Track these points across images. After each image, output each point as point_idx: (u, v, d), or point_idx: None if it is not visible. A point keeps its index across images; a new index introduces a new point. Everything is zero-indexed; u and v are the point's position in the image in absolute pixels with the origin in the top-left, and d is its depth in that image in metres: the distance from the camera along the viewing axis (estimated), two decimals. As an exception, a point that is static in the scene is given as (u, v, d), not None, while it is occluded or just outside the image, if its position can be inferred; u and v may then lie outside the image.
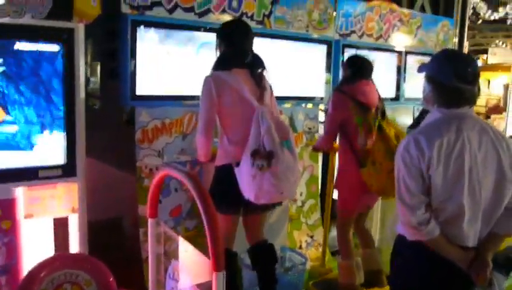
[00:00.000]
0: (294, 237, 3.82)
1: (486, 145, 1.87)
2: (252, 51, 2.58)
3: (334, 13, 3.88)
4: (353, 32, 4.06)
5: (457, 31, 5.27)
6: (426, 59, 4.57)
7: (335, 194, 3.44)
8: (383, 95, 3.25)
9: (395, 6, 4.34)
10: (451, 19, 5.07)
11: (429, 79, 1.93)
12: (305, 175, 3.88)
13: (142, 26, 2.91)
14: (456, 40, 5.21)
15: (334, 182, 3.30)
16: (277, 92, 3.52)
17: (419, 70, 2.02)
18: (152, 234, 2.53)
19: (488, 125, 1.93)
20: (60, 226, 2.79)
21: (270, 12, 3.48)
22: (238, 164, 2.40)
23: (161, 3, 2.98)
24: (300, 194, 3.86)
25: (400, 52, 4.43)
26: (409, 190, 1.85)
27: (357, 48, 4.02)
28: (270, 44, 3.52)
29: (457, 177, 1.83)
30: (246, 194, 2.37)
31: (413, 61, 4.52)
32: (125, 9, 2.86)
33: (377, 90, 3.17)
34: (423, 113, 3.28)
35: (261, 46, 3.39)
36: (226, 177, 2.46)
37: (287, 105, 3.73)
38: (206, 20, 3.17)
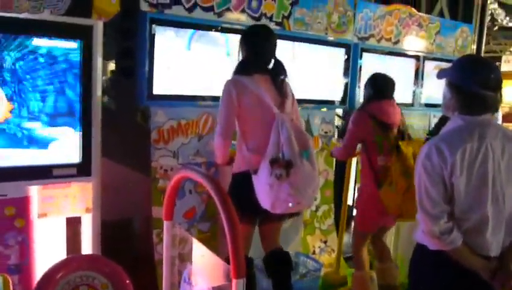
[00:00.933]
0: (308, 242, 3.75)
1: (510, 153, 1.83)
2: (275, 57, 2.52)
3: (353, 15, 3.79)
4: (372, 36, 3.99)
5: (476, 37, 5.17)
6: (444, 65, 4.50)
7: (349, 200, 3.38)
8: (398, 100, 3.19)
9: (414, 10, 4.26)
10: (470, 25, 4.98)
11: (451, 85, 1.88)
12: (320, 180, 3.80)
13: (160, 25, 2.86)
14: (474, 46, 5.11)
15: (355, 200, 3.28)
16: (295, 95, 3.52)
17: (439, 76, 1.96)
18: (167, 236, 2.47)
19: (511, 133, 1.88)
20: (73, 226, 2.75)
21: (290, 14, 3.42)
22: (256, 172, 2.34)
23: (180, 2, 2.93)
24: (315, 199, 3.78)
25: (417, 58, 4.34)
26: (431, 198, 1.80)
27: (375, 51, 3.94)
28: (289, 46, 3.46)
29: (480, 186, 1.79)
30: (263, 203, 2.32)
31: (431, 67, 4.43)
32: (144, 7, 2.81)
33: (400, 110, 3.13)
34: (443, 120, 3.19)
35: (279, 47, 3.37)
36: (243, 184, 2.40)
37: (304, 108, 3.65)
38: (226, 20, 3.11)
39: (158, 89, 2.91)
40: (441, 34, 4.55)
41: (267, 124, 2.34)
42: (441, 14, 5.32)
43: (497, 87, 1.83)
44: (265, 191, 2.29)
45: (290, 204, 2.27)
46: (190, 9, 2.97)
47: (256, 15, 3.25)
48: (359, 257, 3.16)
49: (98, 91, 2.61)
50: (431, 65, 4.42)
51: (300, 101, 3.54)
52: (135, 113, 3.03)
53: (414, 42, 4.32)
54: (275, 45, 2.53)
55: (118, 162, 3.11)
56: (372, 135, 2.97)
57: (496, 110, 1.87)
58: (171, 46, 2.93)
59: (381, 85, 3.08)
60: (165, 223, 2.50)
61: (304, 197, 2.32)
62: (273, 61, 2.51)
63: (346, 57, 3.76)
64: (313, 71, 3.62)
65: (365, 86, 3.17)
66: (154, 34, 2.84)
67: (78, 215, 2.68)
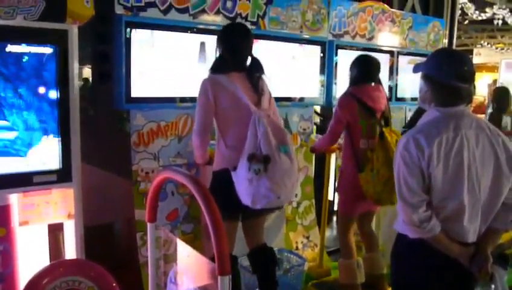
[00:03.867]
0: (291, 238, 3.79)
1: (483, 142, 1.89)
2: (251, 54, 2.55)
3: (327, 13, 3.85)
4: (346, 32, 4.05)
5: (447, 31, 5.29)
6: (418, 59, 4.60)
7: (330, 196, 3.42)
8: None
9: (386, 6, 4.34)
10: (441, 20, 5.09)
11: (427, 78, 1.94)
12: (300, 176, 3.85)
13: (136, 28, 2.86)
14: (446, 40, 5.23)
15: (336, 183, 3.30)
16: (272, 93, 3.56)
17: (415, 70, 2.02)
18: (151, 238, 2.48)
19: (484, 123, 1.95)
20: (55, 233, 2.73)
21: (265, 13, 3.46)
22: (235, 169, 2.37)
23: (155, 4, 2.94)
24: (296, 196, 3.83)
25: (391, 53, 4.43)
26: (410, 188, 1.86)
27: (350, 48, 4.01)
28: (265, 45, 3.49)
29: (457, 175, 1.85)
30: (243, 198, 2.35)
31: (404, 62, 4.52)
32: (119, 10, 2.81)
33: (386, 96, 3.17)
34: (419, 113, 3.28)
35: (255, 47, 3.41)
36: (223, 182, 2.43)
37: (283, 106, 3.68)
38: (201, 21, 3.13)
39: (136, 92, 2.91)
40: (414, 29, 4.65)
41: (245, 121, 2.38)
42: (413, 10, 5.42)
43: (471, 79, 1.90)
44: (244, 187, 2.32)
45: (267, 198, 2.30)
46: (165, 11, 2.98)
47: (232, 15, 3.28)
48: (345, 244, 3.16)
49: (75, 96, 2.59)
50: (405, 60, 4.51)
51: (279, 99, 3.60)
52: (114, 117, 3.02)
53: (388, 38, 4.40)
54: (251, 43, 2.57)
55: (99, 167, 3.11)
56: (357, 119, 2.99)
57: (470, 101, 1.94)
58: (148, 48, 2.93)
59: (366, 67, 3.08)
60: (149, 225, 2.50)
61: (284, 191, 2.36)
62: (250, 58, 2.54)
63: (321, 54, 3.81)
64: (290, 70, 3.66)
65: (350, 68, 3.16)
66: (130, 37, 2.84)
67: (60, 221, 2.66)
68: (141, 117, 2.98)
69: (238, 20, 3.31)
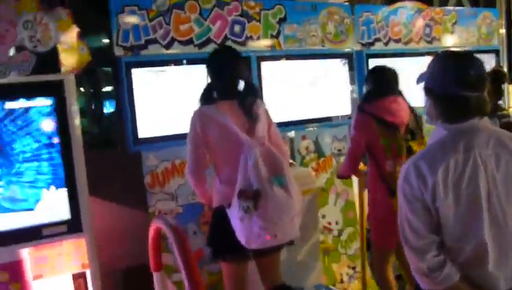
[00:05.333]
0: (334, 270, 3.52)
1: (507, 162, 1.55)
2: (244, 79, 2.39)
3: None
4: (377, 40, 3.76)
5: (503, 21, 4.74)
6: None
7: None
8: (417, 104, 2.91)
9: (422, 4, 3.98)
10: (493, 9, 4.59)
11: (426, 90, 1.64)
12: (339, 202, 3.59)
13: (137, 68, 2.83)
14: (503, 31, 4.69)
15: (367, 212, 3.00)
16: (298, 116, 3.38)
17: (418, 80, 1.73)
18: (159, 288, 2.40)
19: (508, 137, 1.60)
20: (77, 282, 2.73)
21: (279, 32, 3.29)
22: (230, 205, 2.22)
23: (156, 40, 2.90)
24: (336, 223, 3.57)
25: (434, 54, 4.03)
26: (414, 229, 1.55)
27: (384, 56, 3.71)
28: (283, 66, 3.33)
29: (473, 207, 1.52)
30: (239, 238, 2.18)
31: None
32: (118, 51, 2.80)
33: (409, 105, 2.83)
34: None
35: (273, 69, 3.27)
36: (220, 221, 2.29)
37: (311, 128, 3.48)
38: (207, 51, 3.02)
39: (144, 132, 2.88)
40: (460, 24, 4.22)
41: (237, 153, 2.22)
42: (460, 4, 4.95)
43: (481, 85, 1.57)
44: (238, 226, 2.17)
45: (261, 238, 2.11)
46: (167, 46, 2.94)
47: (241, 39, 3.16)
48: (384, 280, 2.87)
49: (78, 144, 2.60)
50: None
51: (306, 122, 3.44)
52: (125, 160, 2.99)
53: (429, 39, 4.03)
54: (242, 66, 2.41)
55: (114, 213, 3.09)
56: (378, 139, 2.69)
57: (484, 112, 1.60)
58: (152, 86, 2.89)
59: (382, 79, 2.78)
60: (154, 275, 2.44)
61: (281, 228, 2.16)
62: (242, 83, 2.37)
63: (348, 67, 3.56)
64: (314, 88, 3.45)
65: (365, 82, 2.89)
66: (131, 78, 2.82)
67: (75, 272, 2.65)
68: (153, 157, 2.93)
69: (249, 43, 3.17)
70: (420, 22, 3.97)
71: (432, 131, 1.69)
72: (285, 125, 3.33)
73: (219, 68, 2.35)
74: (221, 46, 2.95)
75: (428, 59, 3.93)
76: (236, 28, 3.14)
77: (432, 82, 1.61)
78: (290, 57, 3.35)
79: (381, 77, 2.78)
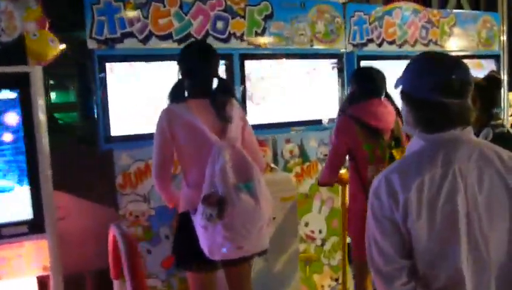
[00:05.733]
0: (315, 281, 3.39)
1: (491, 180, 1.37)
2: (217, 76, 2.26)
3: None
4: (370, 41, 3.62)
5: (505, 27, 4.57)
6: (465, 62, 4.03)
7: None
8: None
9: (418, 6, 3.83)
10: (495, 13, 4.43)
11: (403, 95, 1.48)
12: (324, 209, 3.46)
13: (111, 62, 2.72)
14: (503, 37, 4.52)
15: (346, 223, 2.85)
16: (282, 118, 3.25)
17: (396, 84, 1.58)
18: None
19: (494, 150, 1.42)
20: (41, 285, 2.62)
21: (264, 30, 3.16)
22: (195, 211, 2.08)
23: (133, 34, 2.78)
24: (320, 232, 3.43)
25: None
26: (382, 251, 1.38)
27: (376, 58, 3.57)
28: (268, 65, 3.20)
29: (449, 230, 1.34)
30: (202, 247, 2.05)
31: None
32: (91, 44, 2.69)
33: (396, 109, 2.67)
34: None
35: (257, 68, 3.14)
36: (185, 227, 2.16)
37: (296, 131, 3.35)
38: (187, 47, 2.91)
39: (117, 130, 2.76)
40: (458, 27, 4.07)
41: (205, 154, 2.09)
42: (460, 7, 4.79)
43: (464, 91, 1.39)
44: (201, 234, 2.04)
45: (224, 249, 1.98)
46: (145, 40, 2.82)
47: (224, 36, 3.03)
48: None
49: (43, 140, 2.48)
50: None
51: (291, 124, 3.31)
52: (96, 158, 2.88)
53: (425, 41, 3.88)
54: (215, 63, 2.28)
55: (82, 214, 2.97)
56: (360, 144, 2.54)
57: (468, 122, 1.43)
58: (127, 82, 2.77)
59: (368, 80, 2.60)
60: (114, 283, 2.32)
61: (247, 239, 2.03)
62: (216, 81, 2.24)
63: (338, 68, 3.42)
64: (301, 90, 3.32)
65: (349, 83, 2.72)
66: (105, 72, 2.70)
67: (35, 275, 2.54)
68: (126, 157, 2.81)
69: (232, 40, 3.05)
70: (416, 24, 3.82)
71: (410, 141, 1.55)
72: (268, 128, 3.21)
73: (191, 64, 2.22)
74: (194, 41, 2.80)
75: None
76: (219, 24, 3.02)
77: (409, 86, 1.45)
78: (275, 56, 3.21)
79: (367, 77, 2.62)
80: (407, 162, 1.44)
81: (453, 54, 4.00)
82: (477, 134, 2.56)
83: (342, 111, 2.67)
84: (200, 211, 2.00)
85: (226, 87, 2.27)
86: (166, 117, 2.17)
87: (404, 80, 1.49)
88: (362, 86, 2.60)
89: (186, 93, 2.23)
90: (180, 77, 2.25)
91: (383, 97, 2.65)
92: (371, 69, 2.68)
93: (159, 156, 2.21)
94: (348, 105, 2.65)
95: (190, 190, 2.19)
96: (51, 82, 2.70)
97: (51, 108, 2.62)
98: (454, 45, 4.07)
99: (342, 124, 2.60)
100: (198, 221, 2.04)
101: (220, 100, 2.20)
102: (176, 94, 2.20)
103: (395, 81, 1.57)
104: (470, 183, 1.36)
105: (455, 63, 1.43)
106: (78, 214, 2.93)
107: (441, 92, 1.37)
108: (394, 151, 2.51)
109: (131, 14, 2.77)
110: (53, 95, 2.59)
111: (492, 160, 1.39)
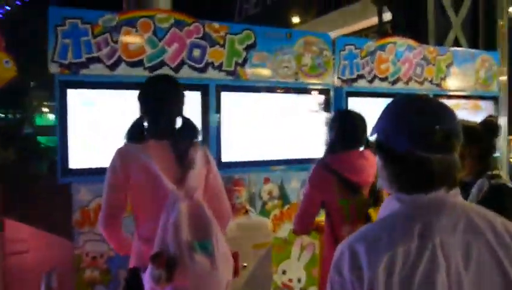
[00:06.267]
0: (292, 336, 3.12)
1: (480, 256, 1.11)
2: (181, 116, 2.04)
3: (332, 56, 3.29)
4: (361, 76, 3.44)
5: (506, 68, 4.39)
6: (463, 103, 3.85)
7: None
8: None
9: (413, 42, 3.66)
10: (494, 52, 4.26)
11: (377, 146, 1.25)
12: (304, 256, 3.21)
13: (74, 88, 2.53)
14: (503, 78, 4.35)
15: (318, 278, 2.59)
16: (261, 156, 3.04)
17: (371, 133, 1.35)
18: None
19: (485, 218, 1.16)
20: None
21: (245, 60, 2.98)
22: (146, 269, 1.83)
23: (99, 59, 2.60)
24: (299, 281, 3.18)
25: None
26: None
27: (366, 95, 3.38)
28: (247, 98, 3.01)
29: None
30: None
31: (446, 107, 3.76)
32: (53, 68, 2.50)
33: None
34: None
35: (234, 101, 2.95)
36: (135, 286, 1.90)
37: (276, 170, 3.13)
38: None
39: (77, 162, 2.55)
40: (455, 66, 3.89)
41: (159, 205, 1.85)
42: (457, 44, 4.63)
43: (450, 145, 1.14)
44: None
45: None
46: (112, 67, 2.64)
47: (200, 65, 2.85)
48: None
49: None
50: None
51: (270, 163, 3.09)
52: (53, 193, 2.66)
53: (420, 79, 3.70)
54: (179, 100, 2.05)
55: (35, 252, 2.73)
56: (336, 198, 2.28)
57: (454, 182, 1.17)
58: (91, 110, 2.57)
59: (347, 127, 2.33)
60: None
61: None
62: (180, 121, 2.03)
63: (324, 104, 3.23)
64: (283, 126, 3.12)
65: (327, 128, 2.42)
66: (66, 99, 2.51)
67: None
68: (85, 191, 2.59)
69: (210, 70, 2.86)
70: (410, 61, 3.65)
71: (384, 200, 1.30)
72: (245, 165, 3.00)
73: (151, 102, 2.01)
74: (156, 75, 2.46)
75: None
76: (196, 52, 2.84)
77: (383, 136, 1.22)
78: (255, 88, 3.03)
79: (346, 124, 2.36)
80: (376, 230, 1.17)
81: (450, 93, 3.86)
82: (471, 185, 2.32)
83: (319, 161, 2.42)
84: (149, 270, 1.76)
85: (190, 127, 2.04)
86: (120, 157, 1.94)
87: (379, 128, 1.27)
88: (340, 133, 2.35)
89: (146, 133, 2.00)
90: (140, 113, 2.03)
91: (363, 147, 2.40)
92: (349, 114, 2.43)
93: (109, 201, 1.96)
94: (326, 154, 2.40)
95: (141, 243, 1.94)
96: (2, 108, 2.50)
97: (6, 136, 2.41)
98: (451, 84, 3.89)
99: (317, 175, 2.34)
100: (146, 281, 1.79)
101: (182, 143, 1.98)
102: (134, 133, 1.98)
103: (370, 129, 1.34)
104: (453, 260, 1.09)
105: (440, 111, 1.17)
106: (31, 253, 2.70)
107: (422, 146, 1.12)
108: (372, 211, 2.25)
109: (99, 38, 2.59)
110: (7, 122, 2.40)
111: (483, 231, 1.12)
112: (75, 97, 2.56)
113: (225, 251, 1.86)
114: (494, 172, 2.29)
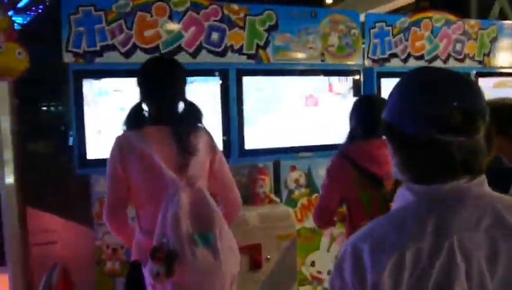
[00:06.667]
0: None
1: (509, 258, 0.93)
2: (183, 99, 1.95)
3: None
4: (393, 56, 3.23)
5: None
6: (509, 81, 3.56)
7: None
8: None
9: (451, 16, 3.40)
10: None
11: (388, 129, 1.08)
12: (334, 247, 3.08)
13: (89, 78, 2.49)
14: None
15: None
16: (287, 142, 2.91)
17: (384, 115, 1.19)
18: None
19: None
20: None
21: (267, 42, 2.85)
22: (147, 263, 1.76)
23: (114, 47, 2.55)
24: (328, 273, 3.05)
25: (466, 75, 3.44)
26: None
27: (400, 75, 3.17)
28: (271, 82, 2.88)
29: None
30: None
31: (489, 85, 3.50)
32: (67, 58, 2.47)
33: None
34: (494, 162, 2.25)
35: (257, 86, 2.84)
36: (136, 280, 1.83)
37: (303, 157, 3.00)
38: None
39: (95, 152, 2.52)
40: (501, 39, 3.59)
41: (159, 196, 1.78)
42: (503, 17, 4.29)
43: (472, 126, 0.95)
44: None
45: None
46: (128, 54, 2.58)
47: (219, 49, 2.74)
48: None
49: (8, 165, 2.28)
50: (489, 83, 3.49)
51: (296, 150, 2.96)
52: (71, 184, 2.65)
53: (459, 56, 3.45)
54: (179, 83, 1.94)
55: (57, 245, 2.74)
56: (356, 191, 2.13)
57: (478, 169, 0.98)
58: (107, 100, 2.53)
59: (368, 114, 2.16)
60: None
61: None
62: (182, 105, 1.92)
63: (354, 86, 3.05)
64: (309, 110, 2.98)
65: (349, 116, 2.27)
66: (82, 89, 2.48)
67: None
68: (104, 182, 2.55)
69: (229, 54, 2.76)
70: (449, 36, 3.40)
71: (397, 192, 1.15)
72: (269, 153, 2.89)
73: (151, 85, 1.92)
74: (154, 56, 2.37)
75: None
76: (214, 36, 2.74)
77: (393, 117, 1.05)
78: (279, 72, 2.89)
79: (366, 110, 2.20)
80: (385, 225, 1.01)
81: (495, 71, 3.58)
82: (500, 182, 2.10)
83: (339, 150, 2.25)
84: (148, 265, 1.69)
85: (192, 112, 1.94)
86: (119, 146, 1.87)
87: (389, 108, 1.11)
88: (362, 121, 2.19)
89: (146, 119, 1.92)
90: (139, 99, 1.94)
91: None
92: (371, 100, 2.27)
93: (111, 193, 1.90)
94: (345, 143, 2.24)
95: (142, 236, 1.87)
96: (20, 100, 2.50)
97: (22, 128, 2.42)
98: (496, 60, 3.60)
99: (336, 167, 2.18)
100: (146, 276, 1.73)
101: (184, 128, 1.88)
102: (133, 120, 1.90)
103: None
104: (475, 262, 0.92)
105: (460, 85, 0.99)
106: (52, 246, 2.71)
107: (437, 127, 0.94)
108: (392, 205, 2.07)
109: (113, 24, 2.53)
110: (23, 113, 2.40)
111: None
112: (90, 87, 2.52)
113: (230, 244, 1.78)
114: None
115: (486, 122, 0.97)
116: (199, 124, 1.93)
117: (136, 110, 1.91)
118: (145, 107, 1.91)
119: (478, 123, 0.95)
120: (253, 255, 2.53)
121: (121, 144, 1.87)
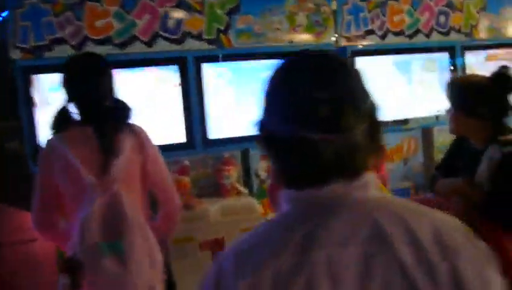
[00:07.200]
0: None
1: (386, 276, 0.76)
2: (110, 97, 1.85)
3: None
4: (370, 32, 3.07)
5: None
6: (500, 53, 3.36)
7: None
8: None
9: (433, -14, 3.21)
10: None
11: (259, 130, 0.96)
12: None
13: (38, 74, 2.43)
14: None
15: None
16: (256, 130, 2.79)
17: None
18: None
19: (407, 221, 0.79)
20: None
21: (228, 26, 2.73)
22: None
23: (64, 40, 2.46)
24: None
25: (451, 50, 3.25)
26: None
27: (377, 53, 3.02)
28: (234, 68, 2.76)
29: None
30: None
31: (479, 58, 3.30)
32: (15, 54, 2.40)
33: None
34: (461, 142, 2.13)
35: (219, 73, 2.73)
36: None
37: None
38: (129, 52, 2.56)
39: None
40: (489, 10, 3.37)
41: (79, 199, 1.71)
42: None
43: (345, 120, 0.78)
44: None
45: None
46: (79, 46, 2.50)
47: (176, 36, 2.64)
48: None
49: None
50: (478, 57, 3.29)
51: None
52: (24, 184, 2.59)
53: (444, 29, 3.25)
54: (103, 81, 1.84)
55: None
56: None
57: (358, 170, 0.82)
58: (59, 96, 2.46)
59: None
60: None
61: None
62: (99, 104, 1.82)
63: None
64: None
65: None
66: (30, 86, 2.41)
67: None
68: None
69: (188, 40, 2.65)
70: (431, 9, 3.20)
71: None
72: (237, 141, 2.78)
73: (74, 84, 1.83)
74: (75, 55, 2.28)
75: (444, 56, 3.23)
76: (171, 23, 2.63)
77: (260, 116, 0.94)
78: (242, 56, 2.77)
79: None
80: (253, 240, 0.86)
81: (484, 43, 3.37)
82: (482, 153, 1.96)
83: None
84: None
85: (118, 110, 1.84)
86: (46, 150, 1.81)
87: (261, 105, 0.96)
88: None
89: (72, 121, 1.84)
90: (65, 100, 1.85)
91: None
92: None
93: (38, 197, 1.84)
94: None
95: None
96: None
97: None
98: (485, 32, 3.38)
99: None
100: None
101: (106, 127, 1.79)
102: (56, 123, 1.82)
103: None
104: (345, 282, 0.76)
105: (327, 73, 0.82)
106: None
107: (299, 124, 0.80)
108: None
109: (61, 17, 2.45)
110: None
111: (396, 240, 0.77)
112: (39, 83, 2.45)
113: (149, 254, 1.68)
114: (507, 138, 1.91)
115: (366, 116, 0.83)
116: (125, 121, 1.84)
117: (60, 113, 1.83)
118: (73, 108, 1.83)
119: (349, 117, 0.80)
120: (215, 250, 2.45)
121: (46, 149, 1.82)
